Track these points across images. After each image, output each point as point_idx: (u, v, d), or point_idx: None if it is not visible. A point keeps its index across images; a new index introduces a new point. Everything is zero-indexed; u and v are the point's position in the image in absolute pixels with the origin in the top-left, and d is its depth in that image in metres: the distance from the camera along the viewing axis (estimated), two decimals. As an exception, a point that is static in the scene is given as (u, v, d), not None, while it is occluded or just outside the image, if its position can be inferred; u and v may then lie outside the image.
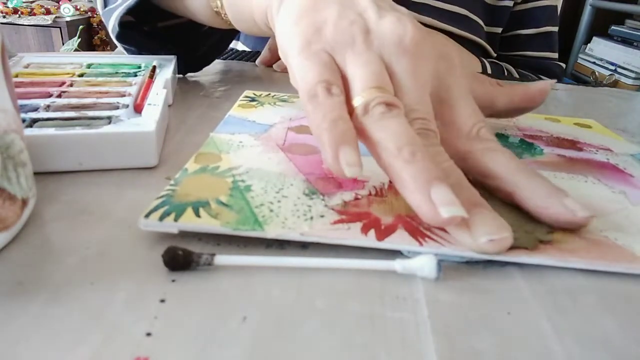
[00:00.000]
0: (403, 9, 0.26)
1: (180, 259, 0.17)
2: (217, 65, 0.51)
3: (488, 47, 0.62)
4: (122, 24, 0.41)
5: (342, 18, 0.24)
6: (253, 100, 0.36)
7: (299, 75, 0.24)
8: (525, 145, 0.31)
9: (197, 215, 0.20)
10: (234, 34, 0.46)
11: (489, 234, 0.18)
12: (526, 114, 0.32)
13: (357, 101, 0.22)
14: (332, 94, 0.22)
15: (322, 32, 0.24)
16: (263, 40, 0.58)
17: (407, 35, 0.24)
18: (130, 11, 0.39)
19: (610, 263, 0.19)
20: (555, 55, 0.66)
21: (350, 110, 0.22)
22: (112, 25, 0.41)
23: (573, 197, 0.21)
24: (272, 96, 0.37)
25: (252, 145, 0.27)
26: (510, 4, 0.62)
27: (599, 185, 0.26)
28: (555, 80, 0.30)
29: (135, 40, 0.43)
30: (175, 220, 0.19)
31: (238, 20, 0.34)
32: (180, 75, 0.45)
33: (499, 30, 0.63)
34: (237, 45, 0.67)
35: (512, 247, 0.19)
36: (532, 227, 0.21)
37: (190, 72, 0.46)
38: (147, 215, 0.19)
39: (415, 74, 0.24)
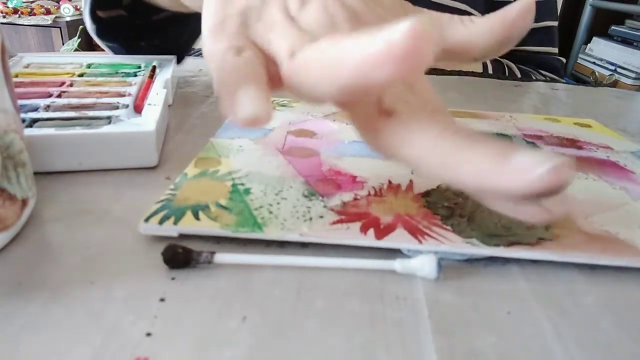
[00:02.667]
0: None
1: (180, 257, 0.17)
2: (217, 65, 0.51)
3: None
4: (110, 19, 0.41)
5: (264, 3, 0.20)
6: None
7: (208, 52, 0.20)
8: (524, 144, 0.31)
9: (197, 218, 0.20)
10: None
11: (543, 162, 0.14)
12: (526, 114, 0.32)
13: (282, 55, 0.19)
14: (241, 56, 0.19)
15: (241, 17, 0.20)
16: None
17: (337, 20, 0.20)
18: (114, 4, 0.39)
19: (611, 257, 0.19)
20: (556, 50, 0.66)
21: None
22: (87, 23, 0.41)
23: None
24: (272, 101, 0.37)
25: (251, 149, 0.27)
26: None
27: (599, 182, 0.26)
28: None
29: (119, 36, 0.43)
30: (175, 223, 0.19)
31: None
32: (180, 75, 0.45)
33: None
34: None
35: (513, 243, 0.19)
36: (532, 225, 0.21)
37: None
38: (146, 220, 0.19)
39: None
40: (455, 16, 0.23)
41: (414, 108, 0.18)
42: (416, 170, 0.18)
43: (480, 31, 0.22)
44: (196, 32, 0.47)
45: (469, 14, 0.58)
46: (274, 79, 0.19)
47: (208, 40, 0.20)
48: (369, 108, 0.19)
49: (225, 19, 0.20)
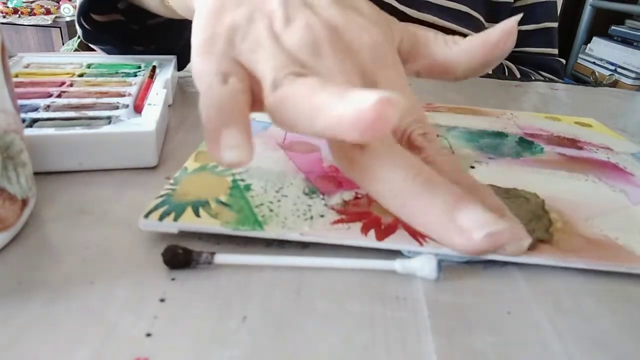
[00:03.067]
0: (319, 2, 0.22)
1: (180, 257, 0.17)
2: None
3: None
4: (107, 23, 0.41)
5: (250, 22, 0.21)
6: None
7: (196, 73, 0.20)
8: (525, 143, 0.31)
9: (197, 214, 0.20)
10: None
11: (482, 227, 0.16)
12: (526, 112, 0.32)
13: (266, 84, 0.19)
14: (227, 83, 0.19)
15: (228, 36, 0.21)
16: None
17: (319, 40, 0.20)
18: (110, 8, 0.39)
19: (610, 263, 0.19)
20: (555, 51, 0.66)
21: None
22: (77, 27, 0.41)
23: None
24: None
25: None
26: (511, 0, 0.62)
27: (599, 184, 0.26)
28: (522, 15, 0.24)
29: (116, 40, 0.43)
30: (175, 220, 0.19)
31: (179, 6, 0.32)
32: (180, 75, 0.45)
33: None
34: None
35: None
36: (532, 228, 0.21)
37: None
38: (146, 215, 0.19)
39: (338, 74, 0.20)
40: (440, 35, 0.24)
41: (384, 145, 0.19)
42: (382, 204, 0.19)
43: (462, 52, 0.23)
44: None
45: (470, 15, 0.58)
46: (257, 100, 0.20)
47: (197, 58, 0.21)
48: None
49: (213, 36, 0.21)
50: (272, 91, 0.19)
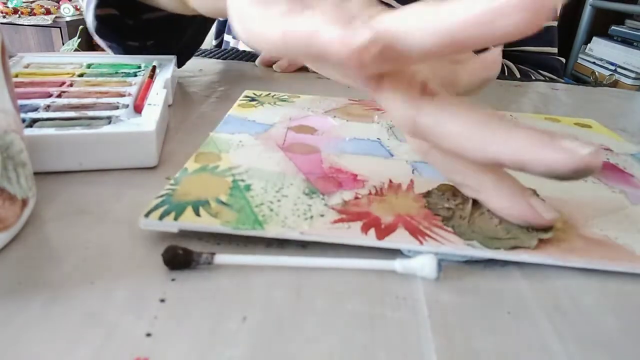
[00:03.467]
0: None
1: (180, 258, 0.17)
2: (217, 65, 0.51)
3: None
4: (103, 18, 0.41)
5: None
6: (253, 100, 0.36)
7: (254, 23, 0.19)
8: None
9: (197, 214, 0.20)
10: (207, 26, 0.46)
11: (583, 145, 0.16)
12: (525, 113, 0.32)
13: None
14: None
15: None
16: None
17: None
18: (108, 4, 0.39)
19: (610, 262, 0.19)
20: (555, 50, 0.66)
21: None
22: (89, 20, 0.41)
23: (539, 195, 0.20)
24: (272, 96, 0.37)
25: (252, 145, 0.27)
26: None
27: (599, 184, 0.26)
28: (502, 47, 0.26)
29: (115, 35, 0.43)
30: (175, 219, 0.19)
31: (202, 5, 0.32)
32: (180, 75, 0.45)
33: None
34: (239, 44, 0.67)
35: (513, 247, 0.19)
36: (532, 228, 0.21)
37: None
38: (146, 215, 0.19)
39: None
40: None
41: (454, 96, 0.19)
42: (450, 147, 0.19)
43: (465, 72, 0.24)
44: (197, 38, 0.47)
45: None
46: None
47: (252, 10, 0.19)
48: (411, 88, 0.20)
49: None
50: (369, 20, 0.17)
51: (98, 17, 0.40)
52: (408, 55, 0.17)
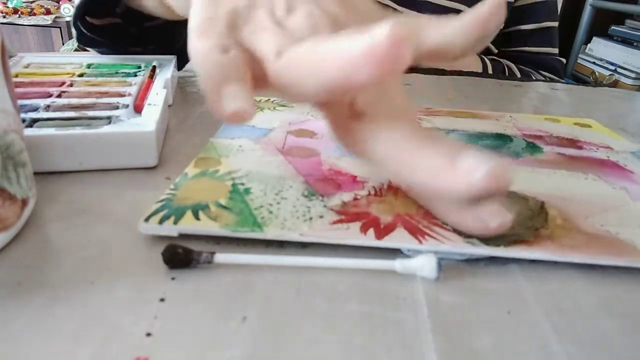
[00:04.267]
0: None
1: (180, 256, 0.17)
2: (217, 65, 0.51)
3: (489, 44, 0.62)
4: (104, 26, 0.41)
5: (251, 8, 0.21)
6: None
7: (195, 52, 0.20)
8: (524, 144, 0.31)
9: (197, 217, 0.20)
10: None
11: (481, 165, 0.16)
12: (525, 114, 0.32)
13: (270, 56, 0.19)
14: (228, 53, 0.19)
15: (229, 19, 0.21)
16: None
17: (320, 28, 0.20)
18: (110, 14, 0.39)
19: (611, 257, 0.19)
20: (556, 50, 0.66)
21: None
22: (73, 30, 0.41)
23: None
24: (272, 101, 0.37)
25: (251, 149, 0.27)
26: None
27: (599, 182, 0.26)
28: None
29: (117, 42, 0.43)
30: (175, 223, 0.19)
31: (178, 5, 0.33)
32: (180, 75, 0.45)
33: (501, 26, 0.63)
34: None
35: (513, 242, 0.19)
36: (532, 223, 0.21)
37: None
38: (146, 219, 0.19)
39: None
40: (432, 18, 0.24)
41: (383, 111, 0.19)
42: (381, 170, 0.20)
43: (456, 32, 0.23)
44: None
45: None
46: (258, 79, 0.20)
47: (194, 37, 0.21)
48: (342, 110, 0.20)
49: (212, 18, 0.21)
50: (276, 60, 0.19)
51: (93, 27, 0.41)
52: (301, 96, 0.19)
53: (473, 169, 0.16)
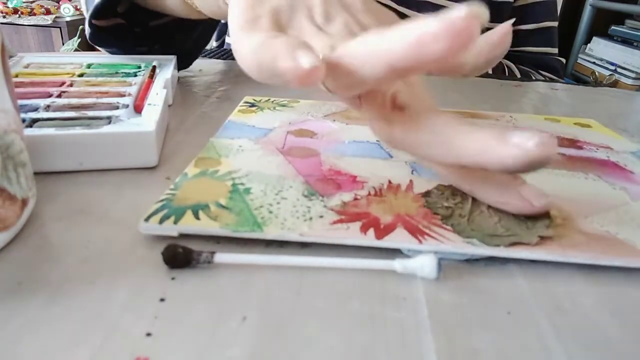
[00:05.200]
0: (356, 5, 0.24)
1: (180, 256, 0.17)
2: (217, 65, 0.51)
3: None
4: (108, 27, 0.41)
5: (292, 9, 0.23)
6: (253, 105, 0.36)
7: (241, 48, 0.22)
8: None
9: (197, 217, 0.20)
10: (213, 27, 0.47)
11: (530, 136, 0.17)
12: (525, 114, 0.32)
13: (322, 48, 0.21)
14: (279, 36, 0.21)
15: (273, 17, 0.23)
16: None
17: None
18: (115, 14, 0.39)
19: (612, 258, 0.19)
20: (555, 50, 0.66)
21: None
22: (86, 28, 0.41)
23: (529, 183, 0.20)
24: (272, 101, 0.37)
25: (251, 149, 0.27)
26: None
27: (599, 182, 0.26)
28: (514, 20, 0.27)
29: (121, 42, 0.43)
30: (175, 223, 0.19)
31: (204, 5, 0.34)
32: (180, 75, 0.45)
33: None
34: None
35: (513, 244, 0.19)
36: (532, 223, 0.21)
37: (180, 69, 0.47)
38: (147, 219, 0.19)
39: None
40: None
41: (421, 104, 0.22)
42: (423, 155, 0.21)
43: (469, 53, 0.25)
44: (201, 41, 0.48)
45: None
46: None
47: (240, 35, 0.22)
48: (385, 105, 0.22)
49: (256, 18, 0.22)
50: (330, 52, 0.20)
51: (99, 28, 0.41)
52: (362, 80, 0.19)
53: (524, 141, 0.17)
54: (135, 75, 0.36)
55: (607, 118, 0.41)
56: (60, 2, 2.10)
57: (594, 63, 1.97)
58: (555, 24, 0.65)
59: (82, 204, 0.22)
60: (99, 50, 0.46)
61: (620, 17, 1.95)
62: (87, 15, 0.41)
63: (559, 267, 0.19)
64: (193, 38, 0.46)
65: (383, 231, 0.20)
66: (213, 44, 0.74)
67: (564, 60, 0.67)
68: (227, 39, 0.71)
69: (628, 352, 0.15)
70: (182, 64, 0.46)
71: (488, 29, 0.28)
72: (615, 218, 0.22)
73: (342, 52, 0.20)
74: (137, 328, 0.15)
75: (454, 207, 0.22)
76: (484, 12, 0.16)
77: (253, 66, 0.21)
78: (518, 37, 0.65)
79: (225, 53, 0.58)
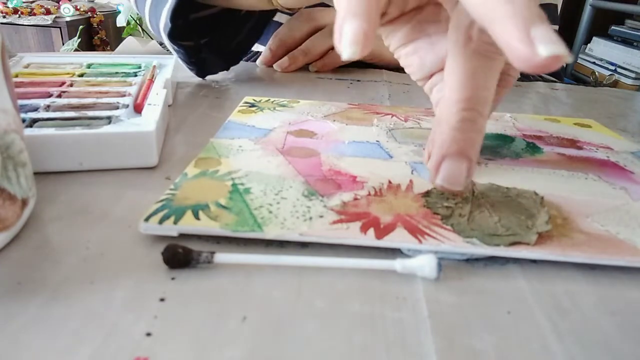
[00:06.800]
0: None
1: (180, 256, 0.17)
2: (217, 65, 0.51)
3: None
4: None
5: None
6: (253, 105, 0.36)
7: None
8: (524, 145, 0.31)
9: (197, 217, 0.20)
10: (267, 18, 0.46)
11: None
12: (525, 114, 0.32)
13: None
14: None
15: None
16: (266, 36, 0.58)
17: None
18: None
19: (611, 257, 0.19)
20: None
21: None
22: (163, 22, 0.39)
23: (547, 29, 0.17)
24: (272, 101, 0.37)
25: (251, 149, 0.27)
26: None
27: (599, 182, 0.26)
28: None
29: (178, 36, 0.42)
30: (175, 223, 0.19)
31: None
32: (180, 75, 0.45)
33: None
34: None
35: (513, 243, 0.19)
36: (532, 223, 0.21)
37: (225, 68, 0.46)
38: (147, 219, 0.19)
39: None
40: None
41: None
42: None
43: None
44: (254, 34, 0.47)
45: None
46: None
47: None
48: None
49: None
50: None
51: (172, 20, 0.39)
52: None
53: (540, 43, 0.16)
54: (135, 75, 0.36)
55: (607, 118, 0.41)
56: (60, 2, 2.10)
57: (594, 63, 1.97)
58: (556, 27, 0.65)
59: (82, 204, 0.22)
60: (98, 50, 0.46)
61: (620, 17, 1.95)
62: (168, 6, 0.38)
63: (559, 267, 0.19)
64: (244, 31, 0.46)
65: (383, 231, 0.20)
66: None
67: (564, 64, 0.67)
68: None
69: (628, 352, 0.15)
70: (231, 60, 0.45)
71: None
72: (615, 218, 0.22)
73: None
74: (137, 328, 0.15)
75: (454, 207, 0.22)
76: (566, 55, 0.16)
77: None
78: None
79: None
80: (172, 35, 0.40)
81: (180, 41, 0.42)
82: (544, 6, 0.64)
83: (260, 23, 0.47)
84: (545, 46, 0.16)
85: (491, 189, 0.24)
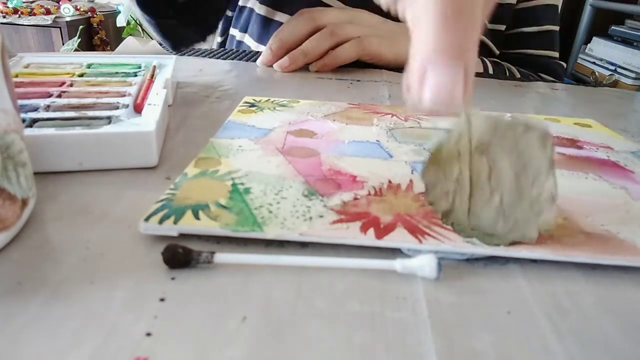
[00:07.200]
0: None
1: (180, 256, 0.17)
2: (217, 65, 0.51)
3: (491, 45, 0.62)
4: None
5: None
6: (252, 105, 0.36)
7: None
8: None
9: (197, 217, 0.20)
10: None
11: None
12: (525, 114, 0.32)
13: None
14: None
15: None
16: (267, 36, 0.58)
17: None
18: None
19: (612, 257, 0.19)
20: (556, 54, 0.66)
21: None
22: None
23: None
24: (272, 101, 0.37)
25: (251, 149, 0.27)
26: (514, 0, 0.62)
27: (599, 181, 0.26)
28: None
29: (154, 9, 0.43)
30: (175, 223, 0.19)
31: None
32: (180, 75, 0.45)
33: (502, 27, 0.63)
34: (245, 37, 0.67)
35: (513, 243, 0.19)
36: (535, 218, 0.21)
37: (202, 39, 0.46)
38: (147, 219, 0.19)
39: None
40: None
41: None
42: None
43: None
44: (221, 11, 0.47)
45: None
46: None
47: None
48: None
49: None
50: None
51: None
52: None
53: (428, 91, 0.18)
54: (135, 75, 0.36)
55: (607, 118, 0.41)
56: (60, 2, 2.11)
57: (594, 63, 1.97)
58: (557, 28, 0.65)
59: (82, 204, 0.22)
60: (98, 50, 0.46)
61: (620, 17, 1.95)
62: None
63: (559, 267, 0.19)
64: (214, 9, 0.46)
65: (383, 231, 0.20)
66: (217, 39, 0.74)
67: (564, 65, 0.67)
68: (232, 32, 0.70)
69: (628, 352, 0.15)
70: (205, 28, 0.45)
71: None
72: (615, 218, 0.22)
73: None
74: (137, 328, 0.15)
75: (454, 197, 0.21)
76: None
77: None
78: (519, 40, 0.65)
79: (225, 53, 0.58)
80: (141, 4, 0.41)
81: (163, 19, 0.43)
82: (544, 7, 0.63)
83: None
84: None
85: (490, 129, 0.20)
